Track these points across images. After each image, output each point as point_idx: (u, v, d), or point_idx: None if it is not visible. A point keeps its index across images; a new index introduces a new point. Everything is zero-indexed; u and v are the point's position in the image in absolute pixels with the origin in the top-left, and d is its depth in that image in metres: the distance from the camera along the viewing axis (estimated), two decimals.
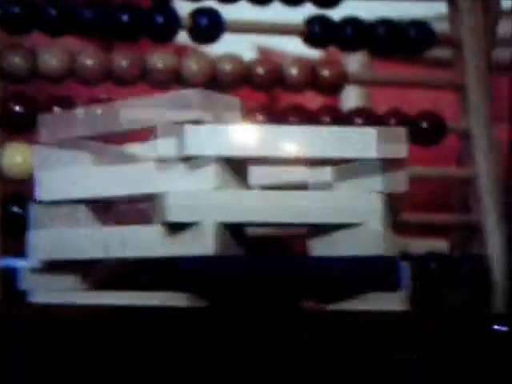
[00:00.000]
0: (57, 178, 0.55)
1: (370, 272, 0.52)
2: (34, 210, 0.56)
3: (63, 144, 0.55)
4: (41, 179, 0.55)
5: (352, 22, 0.73)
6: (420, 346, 0.51)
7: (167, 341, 0.49)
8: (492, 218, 0.71)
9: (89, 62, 0.67)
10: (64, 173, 0.55)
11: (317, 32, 0.72)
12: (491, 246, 0.70)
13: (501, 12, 0.76)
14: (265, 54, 0.85)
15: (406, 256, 0.60)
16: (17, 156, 0.65)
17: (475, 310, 0.69)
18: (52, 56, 0.67)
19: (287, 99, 0.76)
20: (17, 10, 0.66)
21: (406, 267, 0.53)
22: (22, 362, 0.49)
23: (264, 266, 0.51)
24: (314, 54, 0.79)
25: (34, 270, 0.55)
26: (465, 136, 0.73)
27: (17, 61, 0.66)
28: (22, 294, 0.56)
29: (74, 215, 0.55)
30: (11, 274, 0.57)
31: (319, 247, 0.52)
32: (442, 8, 0.76)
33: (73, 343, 0.48)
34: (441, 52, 0.78)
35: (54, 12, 0.67)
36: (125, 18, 0.68)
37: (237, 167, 0.52)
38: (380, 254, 0.51)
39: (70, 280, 0.55)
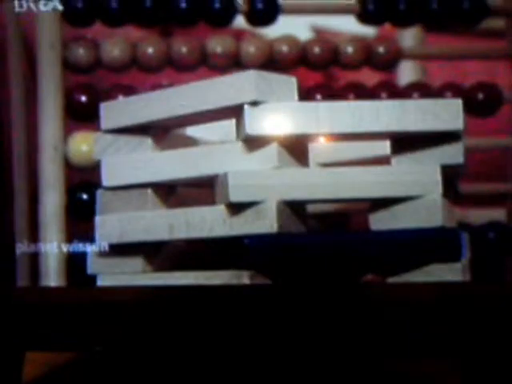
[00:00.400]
0: (120, 164, 0.55)
1: (431, 243, 0.51)
2: (100, 196, 0.56)
3: (124, 130, 0.55)
4: (105, 166, 0.55)
5: None
6: (481, 316, 0.50)
7: (232, 318, 0.49)
8: None
9: (149, 50, 0.68)
10: (127, 159, 0.55)
11: (370, 10, 0.71)
12: None
13: None
14: (320, 34, 0.84)
15: (465, 226, 0.59)
16: (82, 144, 0.66)
17: None
18: (114, 46, 0.67)
19: (344, 77, 0.75)
20: (80, 3, 0.67)
21: (465, 238, 0.52)
22: (92, 346, 0.49)
23: (326, 241, 0.51)
24: (368, 31, 0.78)
25: (101, 254, 0.55)
26: None
27: (80, 52, 0.67)
28: (90, 278, 0.56)
29: (140, 199, 0.55)
30: (79, 258, 0.57)
31: (380, 221, 0.52)
32: None
33: (140, 324, 0.48)
34: (494, 22, 0.77)
35: (114, 4, 0.67)
36: (183, 4, 0.68)
37: (296, 145, 0.52)
38: (440, 226, 0.51)
39: (136, 262, 0.55)
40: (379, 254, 0.51)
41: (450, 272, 0.51)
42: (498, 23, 0.76)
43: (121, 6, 0.67)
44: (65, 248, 0.62)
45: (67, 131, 0.66)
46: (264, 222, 0.50)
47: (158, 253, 0.55)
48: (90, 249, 0.56)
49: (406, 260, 0.51)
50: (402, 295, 0.50)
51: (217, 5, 0.68)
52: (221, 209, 0.51)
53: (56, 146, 0.65)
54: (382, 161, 0.54)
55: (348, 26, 0.77)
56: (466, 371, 0.50)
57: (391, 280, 0.52)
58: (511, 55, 0.73)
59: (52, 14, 0.65)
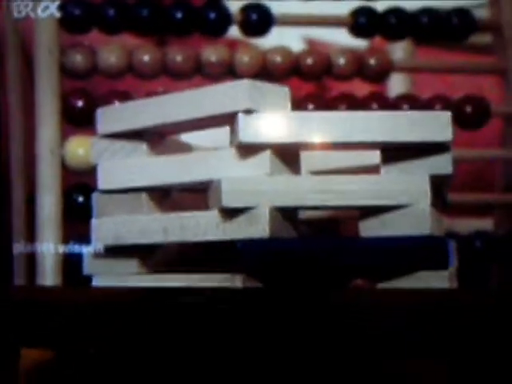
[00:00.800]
0: (116, 169, 0.56)
1: (419, 251, 0.51)
2: (96, 199, 0.56)
3: (121, 135, 0.56)
4: (102, 170, 0.56)
5: (396, 12, 0.72)
6: (467, 322, 0.50)
7: (225, 320, 0.49)
8: None
9: (145, 57, 0.68)
10: (123, 163, 0.56)
11: (362, 23, 0.72)
12: None
13: None
14: (313, 46, 0.85)
15: (452, 235, 0.59)
16: (79, 148, 0.66)
17: None
18: (110, 53, 0.68)
19: (336, 88, 0.76)
20: (77, 10, 0.67)
21: (452, 246, 0.53)
22: (86, 345, 0.49)
23: (316, 247, 0.51)
24: (360, 44, 0.78)
25: (96, 256, 0.56)
26: (508, 119, 0.73)
27: (78, 58, 0.67)
28: (86, 279, 0.56)
29: (135, 203, 0.55)
30: (75, 259, 0.57)
31: (369, 229, 0.52)
32: None
33: (133, 324, 0.49)
34: (483, 37, 0.77)
35: (111, 12, 0.68)
36: (178, 15, 0.69)
37: (289, 153, 0.52)
38: (428, 234, 0.51)
39: (131, 264, 0.56)
40: (368, 260, 0.51)
41: (438, 279, 0.52)
42: (485, 38, 0.77)
43: (118, 14, 0.68)
44: (61, 249, 0.62)
45: (64, 135, 0.66)
46: (256, 227, 0.50)
47: (152, 255, 0.56)
48: (85, 250, 0.56)
49: (394, 267, 0.52)
50: (390, 301, 0.51)
51: (212, 15, 0.69)
52: (214, 214, 0.52)
53: (53, 149, 0.65)
54: (371, 170, 0.54)
55: (340, 37, 0.78)
56: (451, 373, 0.51)
57: (380, 286, 0.52)
58: (498, 70, 0.74)
59: (50, 20, 0.65)
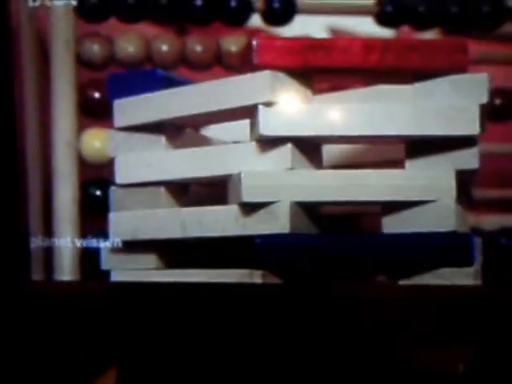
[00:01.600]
0: (134, 162, 0.56)
1: (444, 248, 0.52)
2: (114, 193, 0.57)
3: (138, 128, 0.57)
4: (119, 164, 0.57)
5: (424, 0, 0.72)
6: (493, 320, 0.51)
7: (244, 317, 0.50)
8: None
9: (164, 47, 0.69)
10: (140, 157, 0.56)
11: (388, 11, 0.72)
12: None
13: None
14: (337, 35, 0.85)
15: (477, 232, 0.60)
16: (95, 141, 0.67)
17: None
18: (128, 42, 0.69)
19: None
20: None
21: (478, 243, 0.53)
22: (103, 339, 0.50)
23: (338, 243, 0.52)
24: (385, 33, 0.78)
25: (114, 250, 0.57)
26: None
27: (94, 48, 0.68)
28: (104, 273, 0.57)
29: (153, 197, 0.56)
30: (93, 254, 0.58)
31: (392, 224, 0.53)
32: None
33: (152, 319, 0.50)
34: None
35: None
36: (198, 2, 0.69)
37: (310, 147, 0.53)
38: (453, 230, 0.52)
39: (149, 259, 0.57)
40: (391, 256, 0.52)
41: (462, 276, 0.52)
42: None
43: (136, 1, 0.68)
44: (78, 243, 0.63)
45: (81, 127, 0.67)
46: (277, 223, 0.51)
47: (171, 250, 0.57)
48: (103, 245, 0.57)
49: (417, 263, 0.52)
50: (413, 296, 0.51)
51: (233, 3, 0.69)
52: (234, 208, 0.52)
53: (69, 141, 0.66)
54: (396, 164, 0.55)
55: (365, 27, 0.78)
56: (474, 369, 0.51)
57: (402, 282, 0.53)
58: None
59: (66, 8, 0.66)
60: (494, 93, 0.72)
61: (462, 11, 0.73)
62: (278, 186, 0.51)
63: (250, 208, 0.52)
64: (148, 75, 0.57)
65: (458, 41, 0.55)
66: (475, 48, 0.82)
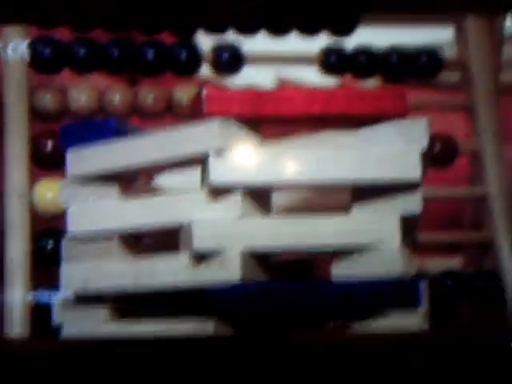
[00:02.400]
0: (86, 212, 0.54)
1: (390, 292, 0.51)
2: (66, 244, 0.55)
3: (91, 178, 0.55)
4: (71, 214, 0.55)
5: (365, 51, 0.72)
6: (439, 362, 0.50)
7: (196, 368, 0.48)
8: (504, 234, 0.70)
9: (116, 97, 0.67)
10: (93, 207, 0.54)
11: (332, 61, 0.71)
12: (505, 261, 0.69)
13: (504, 36, 0.75)
14: (284, 84, 0.85)
15: (423, 275, 0.59)
16: (48, 192, 0.64)
17: (492, 326, 0.67)
18: (81, 93, 0.66)
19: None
20: (47, 50, 0.66)
21: (423, 286, 0.52)
22: None
23: (288, 290, 0.50)
24: (329, 81, 0.78)
25: (66, 303, 0.55)
26: (475, 157, 0.72)
27: (47, 100, 0.66)
28: (55, 328, 0.55)
29: (105, 248, 0.54)
30: (43, 307, 0.56)
31: (341, 270, 0.52)
32: (450, 33, 0.75)
33: (104, 374, 0.48)
34: (450, 75, 0.78)
35: (82, 51, 0.67)
36: (150, 54, 0.68)
37: (260, 194, 0.52)
38: (399, 274, 0.51)
39: (101, 311, 0.54)
40: (341, 302, 0.51)
41: (410, 319, 0.51)
42: (454, 76, 0.77)
43: (89, 53, 0.67)
44: (30, 296, 0.60)
45: (33, 178, 0.65)
46: (228, 271, 0.50)
47: (123, 301, 0.54)
48: (55, 297, 0.55)
49: (366, 308, 0.51)
50: (363, 344, 0.50)
51: (183, 55, 0.68)
52: (185, 257, 0.51)
53: (21, 192, 0.64)
54: (344, 208, 0.54)
55: (310, 75, 0.77)
56: None
57: (353, 327, 0.52)
58: (467, 107, 0.73)
59: (19, 60, 0.64)
60: (434, 139, 0.71)
61: (401, 61, 0.72)
62: (229, 235, 0.50)
63: (201, 256, 0.50)
64: (101, 125, 0.56)
65: (398, 89, 0.55)
66: (412, 95, 0.82)
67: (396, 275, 0.51)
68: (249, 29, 0.70)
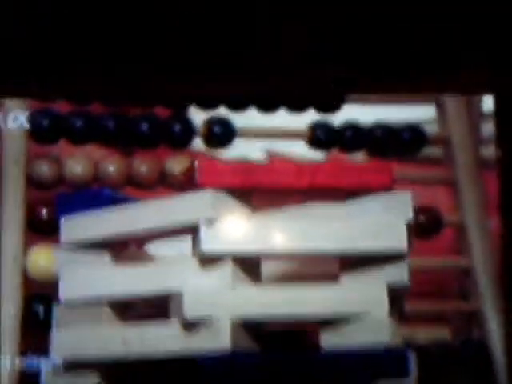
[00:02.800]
0: (78, 279, 0.53)
1: (378, 361, 0.50)
2: (57, 310, 0.54)
3: (84, 245, 0.54)
4: (63, 280, 0.54)
5: (351, 127, 0.72)
6: None
7: None
8: (490, 305, 0.69)
9: (111, 168, 0.66)
10: (84, 274, 0.53)
11: (319, 136, 0.71)
12: (491, 331, 0.68)
13: (483, 114, 0.76)
14: (273, 157, 0.85)
15: (410, 344, 0.58)
16: (41, 258, 0.63)
17: None
18: (77, 163, 0.66)
19: None
20: (45, 122, 0.66)
21: (411, 355, 0.51)
22: None
23: (278, 360, 0.49)
24: (317, 155, 0.78)
25: (55, 369, 0.53)
26: (460, 228, 0.72)
27: (44, 169, 0.65)
28: None
29: (96, 315, 0.53)
30: (33, 374, 0.54)
31: (330, 339, 0.51)
32: (432, 111, 0.76)
33: None
34: (433, 150, 0.78)
35: (79, 123, 0.66)
36: (144, 127, 0.67)
37: (250, 263, 0.51)
38: (386, 344, 0.50)
39: (91, 379, 0.53)
40: (330, 371, 0.50)
41: None
42: (437, 151, 0.77)
43: (85, 125, 0.66)
44: (18, 362, 0.58)
45: (28, 244, 0.63)
46: (218, 340, 0.48)
47: (113, 369, 0.53)
48: (44, 363, 0.53)
49: (355, 377, 0.50)
50: None
51: (176, 128, 0.68)
52: (175, 325, 0.50)
53: (15, 258, 0.62)
54: (333, 276, 0.53)
55: (299, 148, 0.77)
56: None
57: None
58: (450, 181, 0.73)
59: (18, 131, 0.64)
60: (418, 211, 0.71)
61: (385, 137, 0.72)
62: (219, 303, 0.49)
63: (191, 325, 0.49)
64: (96, 194, 0.56)
65: (383, 163, 0.56)
66: (397, 169, 0.82)
67: (383, 344, 0.50)
68: (239, 105, 0.70)
